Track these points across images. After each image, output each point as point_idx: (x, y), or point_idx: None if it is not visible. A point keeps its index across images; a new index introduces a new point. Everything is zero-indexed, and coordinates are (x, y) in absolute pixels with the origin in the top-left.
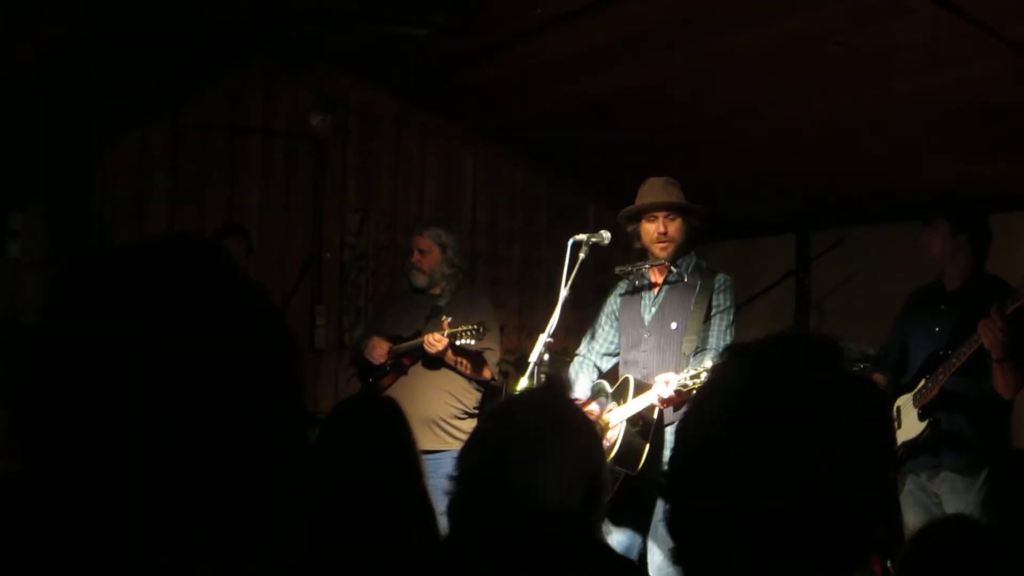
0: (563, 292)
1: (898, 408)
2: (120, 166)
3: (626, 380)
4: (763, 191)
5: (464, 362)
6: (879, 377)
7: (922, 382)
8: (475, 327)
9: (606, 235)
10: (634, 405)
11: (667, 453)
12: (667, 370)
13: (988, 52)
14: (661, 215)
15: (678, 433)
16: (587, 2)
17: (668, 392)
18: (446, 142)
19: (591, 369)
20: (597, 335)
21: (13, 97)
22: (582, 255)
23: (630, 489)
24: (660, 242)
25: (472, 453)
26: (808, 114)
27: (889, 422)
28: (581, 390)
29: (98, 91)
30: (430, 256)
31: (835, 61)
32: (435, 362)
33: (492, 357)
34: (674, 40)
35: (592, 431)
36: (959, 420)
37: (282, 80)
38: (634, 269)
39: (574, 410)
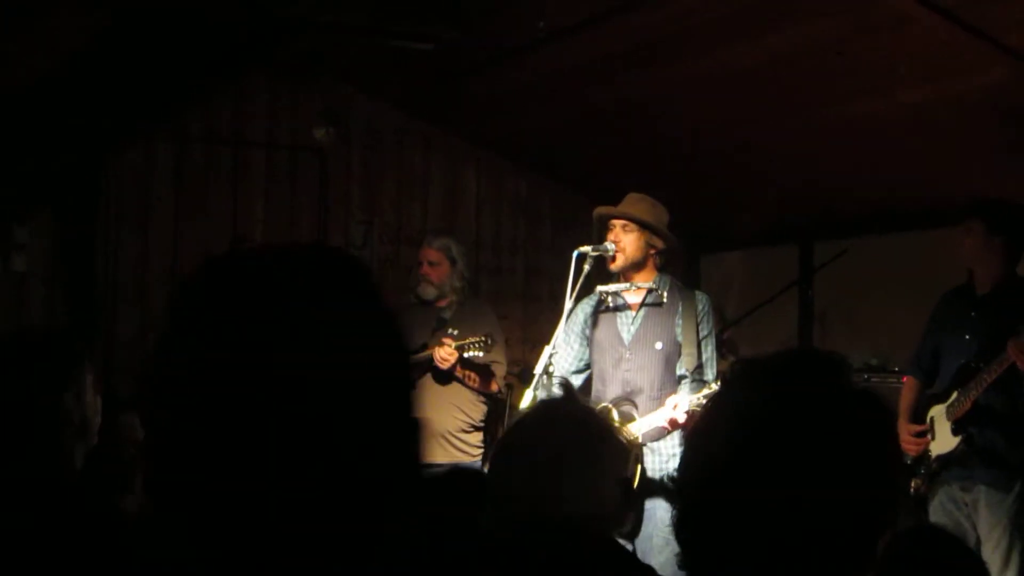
0: (567, 304)
1: (931, 419)
2: (125, 179)
3: (606, 410)
4: (766, 202)
5: (472, 375)
6: (912, 380)
7: (954, 395)
8: (482, 339)
9: (610, 247)
10: (639, 427)
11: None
12: (654, 388)
13: (990, 61)
14: (618, 224)
15: (688, 442)
16: (590, 15)
17: (681, 416)
18: (449, 154)
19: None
20: (562, 352)
21: (18, 110)
22: (587, 267)
23: None
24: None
25: (503, 473)
26: (811, 125)
27: (893, 434)
28: None
29: (103, 104)
30: (440, 268)
31: (838, 72)
32: (443, 376)
33: (499, 370)
34: (677, 51)
35: (617, 439)
36: (992, 435)
37: (286, 93)
38: (617, 291)
39: (598, 420)
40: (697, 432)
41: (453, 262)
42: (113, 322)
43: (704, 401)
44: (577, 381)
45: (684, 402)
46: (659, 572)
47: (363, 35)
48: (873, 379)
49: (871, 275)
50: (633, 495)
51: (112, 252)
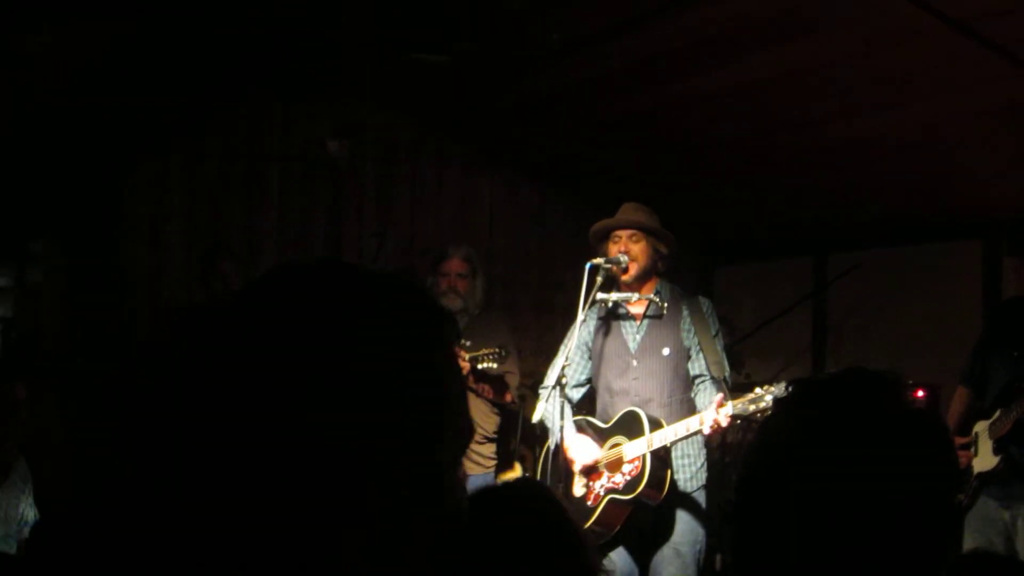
0: (580, 316)
1: (976, 434)
2: (139, 192)
3: (634, 413)
4: (781, 214)
5: (486, 387)
6: (963, 390)
7: (997, 413)
8: (497, 350)
9: (623, 259)
10: (671, 433)
11: (681, 476)
12: (664, 395)
13: (1005, 75)
14: (624, 235)
15: (748, 461)
16: (604, 28)
17: (724, 420)
18: (463, 165)
19: (565, 403)
20: (571, 365)
21: (33, 124)
22: (600, 279)
23: (630, 518)
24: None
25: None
26: (825, 138)
27: (953, 456)
28: (567, 425)
29: (118, 118)
30: (466, 279)
31: (852, 84)
32: None
33: (513, 381)
34: (691, 64)
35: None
36: None
37: (299, 106)
38: (619, 300)
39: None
40: (757, 452)
41: (475, 274)
42: (129, 335)
43: (749, 406)
44: (576, 395)
45: (730, 407)
46: None
47: (379, 47)
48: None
49: (885, 287)
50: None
51: (126, 265)
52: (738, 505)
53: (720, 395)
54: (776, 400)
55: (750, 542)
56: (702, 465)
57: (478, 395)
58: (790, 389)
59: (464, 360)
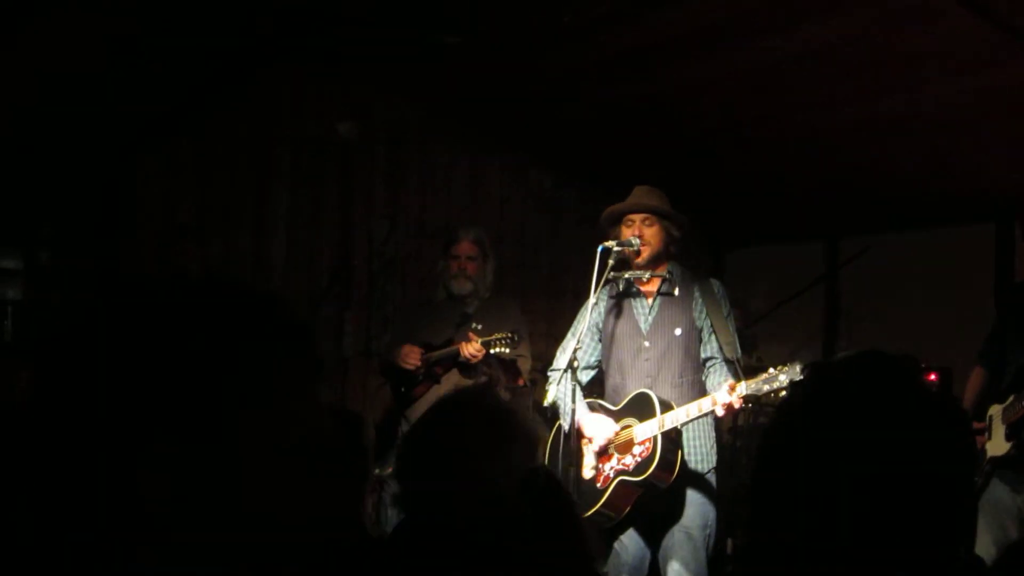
0: (591, 298)
1: (990, 418)
2: (149, 175)
3: (645, 395)
4: (793, 197)
5: (499, 372)
6: (980, 371)
7: (1011, 398)
8: (509, 335)
9: (635, 241)
10: (682, 414)
11: (691, 458)
12: (675, 375)
13: (1021, 56)
14: (637, 219)
15: (765, 444)
16: (614, 10)
17: (737, 401)
18: (473, 149)
19: (576, 385)
20: (577, 350)
21: (43, 106)
22: (611, 262)
23: (640, 500)
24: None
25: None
26: (837, 120)
27: (971, 440)
28: (581, 406)
29: (128, 102)
30: (476, 262)
31: (865, 67)
32: (469, 370)
33: (524, 365)
34: (702, 47)
35: (524, 435)
36: None
37: (310, 88)
38: (630, 277)
39: (508, 416)
40: (774, 435)
41: (486, 256)
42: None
43: (763, 386)
44: (585, 378)
45: (743, 387)
46: (682, 568)
47: (389, 28)
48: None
49: (897, 270)
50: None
51: (136, 248)
52: (755, 487)
53: (732, 376)
54: (793, 383)
55: (767, 523)
56: (712, 447)
57: (491, 380)
58: (807, 371)
59: (477, 344)
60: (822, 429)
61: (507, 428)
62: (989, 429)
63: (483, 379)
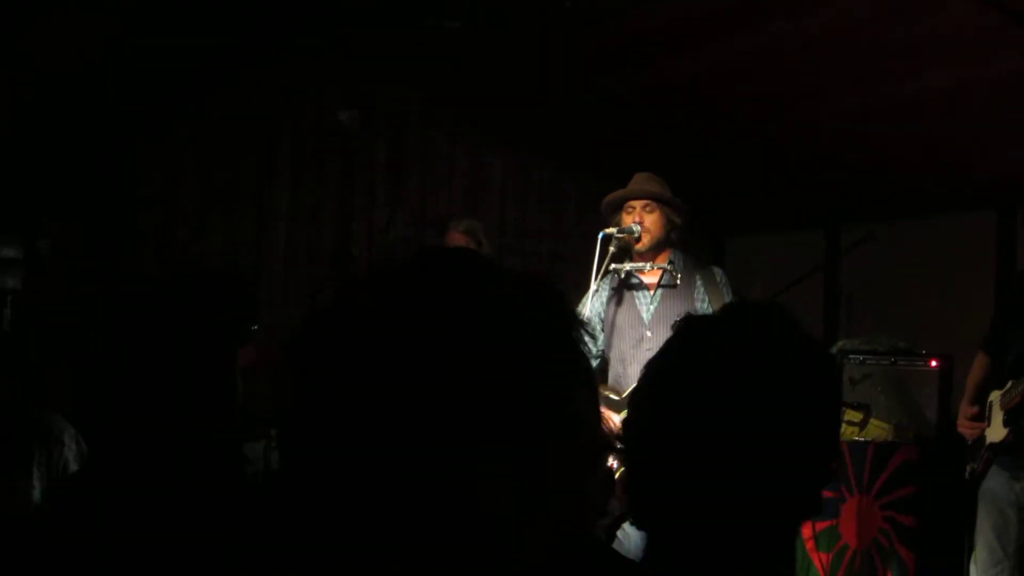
0: (593, 287)
1: (990, 404)
2: (150, 166)
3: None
4: (793, 185)
5: None
6: (983, 357)
7: (1009, 384)
8: None
9: (636, 228)
10: None
11: None
12: None
13: (1022, 44)
14: (638, 206)
15: (633, 399)
16: None
17: None
18: (474, 138)
19: None
20: None
21: (43, 93)
22: (612, 249)
23: None
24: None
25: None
26: (839, 107)
27: (831, 376)
28: None
29: (128, 92)
30: None
31: (867, 53)
32: None
33: None
34: (704, 35)
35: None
36: None
37: (310, 79)
38: (631, 269)
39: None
40: (641, 388)
41: (479, 245)
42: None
43: None
44: None
45: None
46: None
47: (390, 13)
48: (900, 362)
49: (898, 259)
50: None
51: (137, 239)
52: (626, 445)
53: None
54: (669, 337)
55: (640, 481)
56: None
57: None
58: (678, 325)
59: None
60: (682, 380)
61: None
62: (988, 415)
63: None
